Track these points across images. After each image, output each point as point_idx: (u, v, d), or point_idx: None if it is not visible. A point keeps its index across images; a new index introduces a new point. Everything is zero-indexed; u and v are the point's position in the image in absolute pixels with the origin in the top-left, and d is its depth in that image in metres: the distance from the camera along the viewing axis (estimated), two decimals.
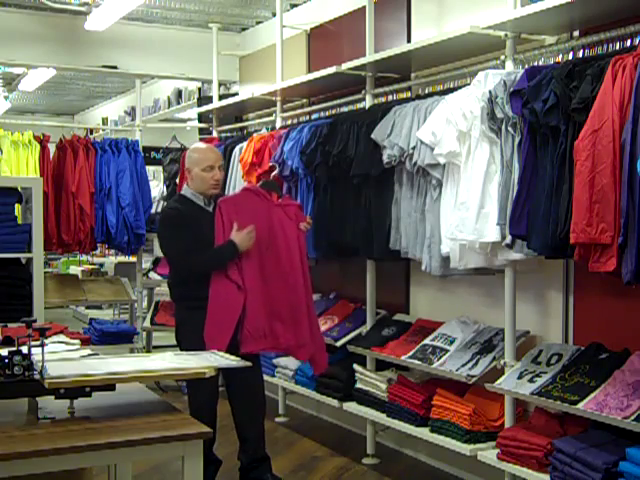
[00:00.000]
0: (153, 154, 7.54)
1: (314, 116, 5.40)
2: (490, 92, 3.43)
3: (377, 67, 4.53)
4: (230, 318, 3.95)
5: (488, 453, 3.62)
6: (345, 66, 4.60)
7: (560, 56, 3.58)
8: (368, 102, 4.67)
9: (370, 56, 4.51)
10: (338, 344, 4.74)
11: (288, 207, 4.14)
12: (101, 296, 6.74)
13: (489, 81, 3.52)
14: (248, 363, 2.79)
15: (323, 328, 4.97)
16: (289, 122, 5.66)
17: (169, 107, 8.96)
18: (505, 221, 3.33)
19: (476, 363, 3.81)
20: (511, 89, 3.30)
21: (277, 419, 5.55)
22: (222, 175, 4.14)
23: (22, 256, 4.96)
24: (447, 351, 4.03)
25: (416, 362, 4.08)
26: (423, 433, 4.04)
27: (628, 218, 2.78)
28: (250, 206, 4.08)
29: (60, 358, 2.77)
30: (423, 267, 3.92)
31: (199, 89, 8.04)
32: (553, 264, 3.75)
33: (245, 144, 5.46)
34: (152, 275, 7.03)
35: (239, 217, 4.00)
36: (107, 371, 2.49)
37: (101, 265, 10.20)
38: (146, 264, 7.26)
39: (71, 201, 6.21)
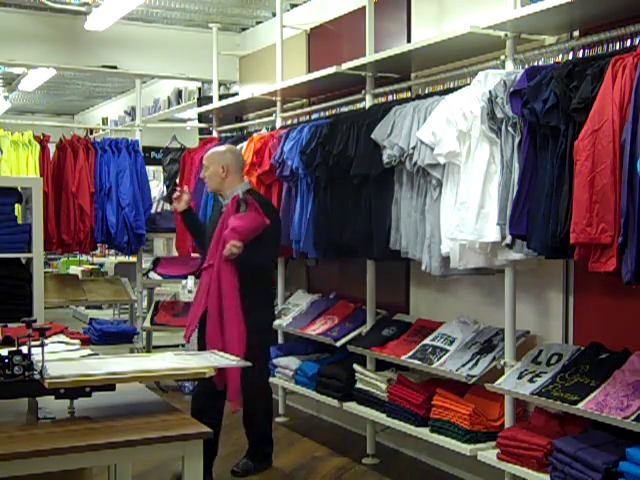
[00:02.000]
0: (153, 154, 7.55)
1: (314, 116, 5.40)
2: (490, 92, 3.42)
3: (377, 67, 4.53)
4: (194, 309, 4.32)
5: (488, 453, 3.62)
6: (345, 66, 4.60)
7: (560, 56, 3.58)
8: (368, 102, 4.67)
9: (370, 56, 4.51)
10: (338, 344, 4.74)
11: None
12: (101, 296, 6.75)
13: (489, 81, 3.52)
14: (248, 363, 2.80)
15: (323, 328, 4.98)
16: (289, 122, 5.66)
17: (169, 107, 8.96)
18: (505, 221, 3.33)
19: (476, 363, 3.82)
20: (511, 89, 3.30)
21: (277, 419, 5.55)
22: (209, 173, 4.41)
23: (22, 256, 4.96)
24: (447, 351, 4.03)
25: (416, 362, 4.08)
26: (423, 433, 4.04)
27: (628, 218, 2.78)
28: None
29: (60, 358, 2.77)
30: (423, 267, 3.92)
31: (199, 89, 8.05)
32: (553, 264, 3.75)
33: (245, 144, 5.46)
34: (152, 275, 7.02)
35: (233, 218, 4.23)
36: (107, 371, 2.50)
37: (101, 265, 10.20)
38: (146, 264, 7.26)
39: (71, 201, 6.22)
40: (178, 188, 4.64)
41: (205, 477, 4.23)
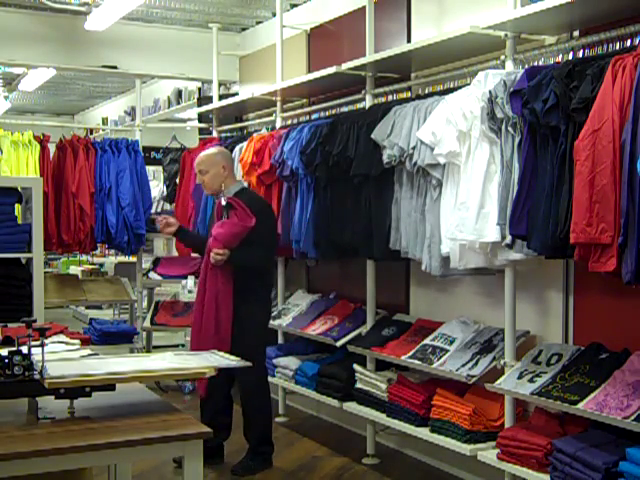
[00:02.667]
0: (153, 154, 7.55)
1: (314, 116, 5.40)
2: (490, 92, 3.42)
3: (377, 67, 4.53)
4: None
5: (488, 453, 3.62)
6: (345, 66, 4.60)
7: (560, 56, 3.58)
8: (368, 102, 4.66)
9: (370, 56, 4.51)
10: (338, 344, 4.74)
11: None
12: (101, 296, 6.74)
13: (489, 81, 3.52)
14: (248, 363, 2.80)
15: (323, 328, 4.98)
16: (289, 122, 5.66)
17: (169, 107, 8.96)
18: (505, 221, 3.33)
19: (476, 363, 3.81)
20: (511, 89, 3.30)
21: (277, 419, 5.55)
22: (209, 176, 4.48)
23: (22, 256, 4.96)
24: (447, 351, 4.03)
25: (416, 362, 4.08)
26: (423, 433, 4.04)
27: (628, 218, 2.78)
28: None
29: (60, 358, 2.77)
30: (423, 267, 3.92)
31: (199, 89, 8.04)
32: (553, 264, 3.75)
33: (245, 144, 5.46)
34: (152, 275, 7.02)
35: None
36: (107, 371, 2.50)
37: (101, 265, 10.20)
38: (146, 264, 7.26)
39: (71, 201, 6.22)
40: (157, 217, 4.64)
41: (215, 459, 4.46)
